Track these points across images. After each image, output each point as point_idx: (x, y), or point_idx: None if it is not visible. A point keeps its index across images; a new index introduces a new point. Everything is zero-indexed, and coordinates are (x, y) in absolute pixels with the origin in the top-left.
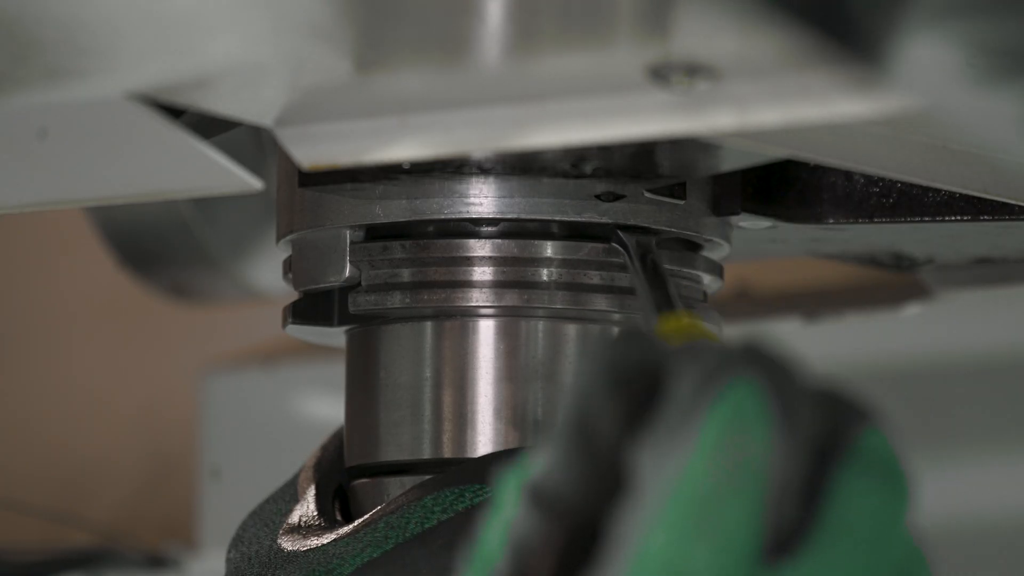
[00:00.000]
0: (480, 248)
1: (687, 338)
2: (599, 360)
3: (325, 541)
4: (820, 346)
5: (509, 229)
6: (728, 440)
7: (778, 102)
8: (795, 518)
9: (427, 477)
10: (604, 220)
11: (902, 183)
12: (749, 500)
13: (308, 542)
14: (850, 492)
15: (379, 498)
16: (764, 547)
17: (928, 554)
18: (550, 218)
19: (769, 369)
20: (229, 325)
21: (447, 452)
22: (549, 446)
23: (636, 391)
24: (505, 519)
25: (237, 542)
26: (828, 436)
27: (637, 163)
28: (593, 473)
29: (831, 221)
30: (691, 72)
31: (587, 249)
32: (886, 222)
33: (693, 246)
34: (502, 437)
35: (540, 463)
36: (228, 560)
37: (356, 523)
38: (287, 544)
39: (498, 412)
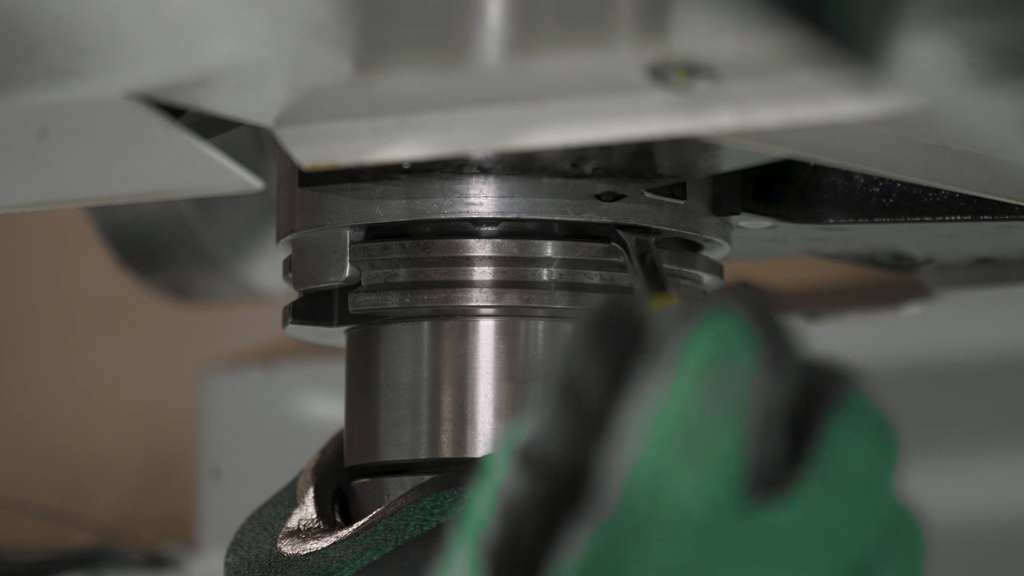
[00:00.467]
0: (480, 248)
1: None
2: (583, 323)
3: (324, 545)
4: (820, 346)
5: (509, 229)
6: (712, 362)
7: (778, 102)
8: (783, 456)
9: (427, 477)
10: (604, 220)
11: (902, 183)
12: (736, 424)
13: (307, 546)
14: (842, 439)
15: (379, 498)
16: (752, 478)
17: (919, 518)
18: (550, 218)
19: (755, 304)
20: (229, 325)
21: (447, 452)
22: (537, 410)
23: (620, 348)
24: (494, 484)
25: (236, 546)
26: (818, 385)
27: (637, 163)
28: (581, 430)
29: (831, 221)
30: (691, 72)
31: (587, 249)
32: (886, 222)
33: (693, 246)
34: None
35: (529, 428)
36: (227, 564)
37: (355, 526)
38: (287, 548)
39: (498, 412)
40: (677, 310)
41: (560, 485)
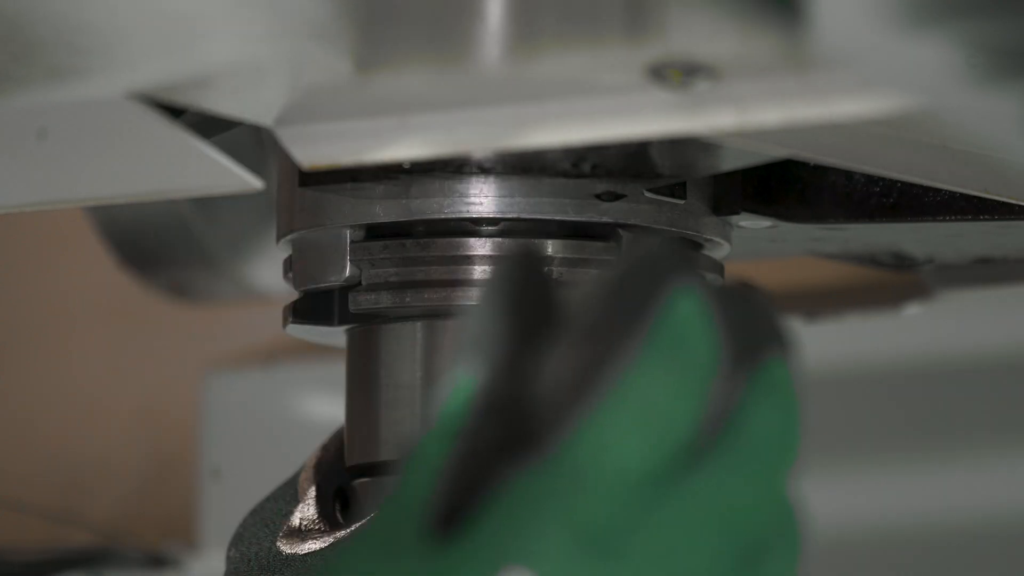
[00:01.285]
0: (481, 247)
1: None
2: (493, 283)
3: (322, 545)
4: (820, 346)
5: (509, 228)
6: (681, 342)
7: (778, 102)
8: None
9: None
10: (604, 220)
11: (902, 183)
12: (692, 399)
13: (306, 546)
14: (759, 409)
15: (380, 497)
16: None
17: (803, 524)
18: (550, 218)
19: (713, 287)
20: (229, 325)
21: None
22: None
23: (528, 310)
24: (451, 426)
25: (237, 540)
26: (745, 349)
27: (637, 163)
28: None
29: (831, 221)
30: (691, 72)
31: (587, 248)
32: (886, 222)
33: (694, 245)
34: None
35: (482, 372)
36: (228, 559)
37: (354, 527)
38: (285, 547)
39: None
40: (637, 274)
41: (513, 431)
